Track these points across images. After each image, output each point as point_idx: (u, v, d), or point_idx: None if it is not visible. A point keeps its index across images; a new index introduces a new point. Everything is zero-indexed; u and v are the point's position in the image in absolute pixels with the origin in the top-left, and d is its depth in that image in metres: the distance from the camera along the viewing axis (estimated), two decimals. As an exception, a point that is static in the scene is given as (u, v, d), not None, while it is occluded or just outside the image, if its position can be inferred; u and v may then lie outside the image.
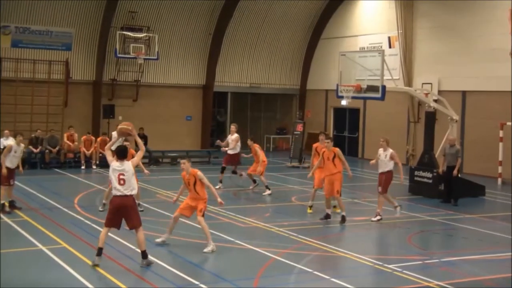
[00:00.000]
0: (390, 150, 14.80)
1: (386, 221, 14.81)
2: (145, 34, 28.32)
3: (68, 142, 23.59)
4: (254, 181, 18.92)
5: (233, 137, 19.37)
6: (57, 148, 23.34)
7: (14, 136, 15.82)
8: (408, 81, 26.61)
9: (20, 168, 15.71)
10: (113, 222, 10.36)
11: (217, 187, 17.87)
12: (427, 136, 19.81)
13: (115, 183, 10.13)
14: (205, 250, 11.38)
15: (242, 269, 10.58)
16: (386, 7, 28.46)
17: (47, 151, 22.95)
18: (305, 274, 10.24)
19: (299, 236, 12.78)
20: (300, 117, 30.80)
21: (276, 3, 31.01)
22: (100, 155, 23.62)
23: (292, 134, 27.98)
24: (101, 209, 14.90)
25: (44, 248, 11.27)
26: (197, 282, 9.51)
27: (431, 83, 25.38)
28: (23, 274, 9.81)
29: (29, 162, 22.67)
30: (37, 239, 11.93)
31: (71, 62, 27.98)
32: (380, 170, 14.91)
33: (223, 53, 31.18)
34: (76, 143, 23.72)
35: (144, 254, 10.31)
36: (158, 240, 11.89)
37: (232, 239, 12.39)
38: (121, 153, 10.31)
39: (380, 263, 10.90)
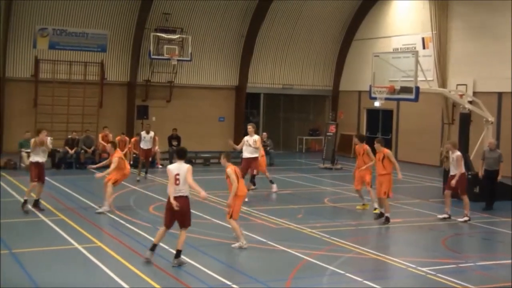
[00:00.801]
0: (457, 153, 15.17)
1: (420, 223, 14.69)
2: (178, 36, 28.55)
3: (102, 142, 23.87)
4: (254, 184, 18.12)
5: (255, 139, 17.00)
6: (92, 148, 23.66)
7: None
8: (442, 82, 26.31)
9: None
10: (166, 222, 10.56)
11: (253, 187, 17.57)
12: (461, 138, 19.55)
13: (173, 184, 10.31)
14: (233, 245, 11.79)
15: (274, 270, 10.60)
16: (420, 7, 28.19)
17: (82, 151, 23.28)
18: (338, 276, 10.22)
19: (332, 237, 12.75)
20: (333, 118, 30.68)
21: (309, 4, 30.98)
22: (134, 155, 23.86)
23: (325, 135, 27.90)
24: (99, 211, 14.81)
25: (80, 247, 11.46)
26: (229, 283, 9.57)
27: (466, 84, 25.04)
28: (59, 272, 9.99)
29: (65, 162, 23.03)
30: (73, 238, 12.13)
31: (106, 64, 28.39)
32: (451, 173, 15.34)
33: (256, 54, 31.25)
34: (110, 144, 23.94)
35: (178, 254, 10.44)
36: (235, 245, 11.81)
37: (265, 240, 12.42)
38: (181, 154, 10.54)
39: (414, 266, 10.82)
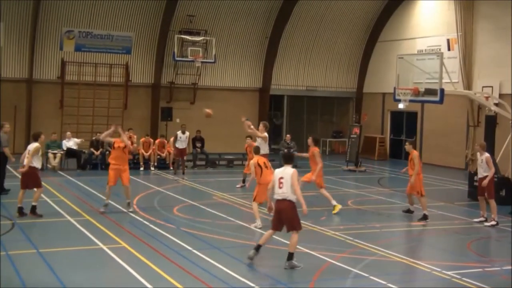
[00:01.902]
0: (485, 154, 15.08)
1: (445, 226, 14.57)
2: (202, 38, 28.68)
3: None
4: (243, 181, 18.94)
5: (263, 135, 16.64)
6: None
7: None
8: (468, 84, 26.04)
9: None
10: (277, 225, 10.70)
11: (238, 185, 18.16)
12: (487, 140, 19.34)
13: (276, 187, 10.52)
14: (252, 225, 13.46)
15: (297, 273, 10.58)
16: (445, 8, 27.96)
17: (107, 152, 23.48)
18: (361, 279, 10.18)
19: (355, 240, 12.71)
20: (357, 120, 30.59)
21: (333, 6, 30.92)
22: (158, 157, 24.04)
23: (349, 137, 27.81)
24: (102, 210, 14.93)
25: (104, 247, 11.57)
26: (253, 284, 9.59)
27: (491, 86, 24.75)
28: (84, 272, 10.09)
29: (90, 163, 23.28)
30: (98, 238, 12.25)
31: (130, 66, 28.63)
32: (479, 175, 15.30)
33: (280, 56, 31.26)
34: (135, 145, 24.13)
35: (290, 256, 10.52)
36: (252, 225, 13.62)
37: (288, 242, 12.38)
38: (287, 158, 10.92)
39: (439, 270, 10.74)
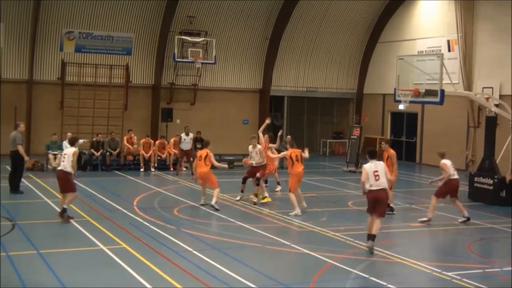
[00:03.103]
0: (441, 161, 15.59)
1: (445, 227, 14.56)
2: (203, 39, 28.70)
3: (127, 144, 24.07)
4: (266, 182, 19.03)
5: (257, 150, 17.09)
6: (117, 151, 23.86)
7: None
8: (468, 85, 26.05)
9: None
10: (369, 210, 12.07)
11: (238, 198, 17.32)
12: (487, 141, 19.36)
13: (372, 179, 11.81)
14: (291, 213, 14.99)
15: (298, 273, 10.60)
16: (445, 9, 27.97)
17: (107, 153, 23.50)
18: (362, 280, 10.18)
19: (356, 241, 12.70)
20: (357, 121, 30.61)
21: (333, 7, 30.94)
22: (159, 158, 24.04)
23: (349, 138, 27.81)
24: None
25: (105, 248, 11.57)
26: (253, 285, 9.59)
27: (492, 87, 24.77)
28: (84, 273, 10.10)
29: (91, 164, 23.27)
30: (99, 239, 12.25)
31: (131, 66, 28.64)
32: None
33: (280, 57, 31.28)
34: (135, 146, 24.19)
35: (373, 237, 11.78)
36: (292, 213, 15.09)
37: (288, 243, 12.42)
38: (373, 154, 12.42)
39: (439, 271, 10.73)
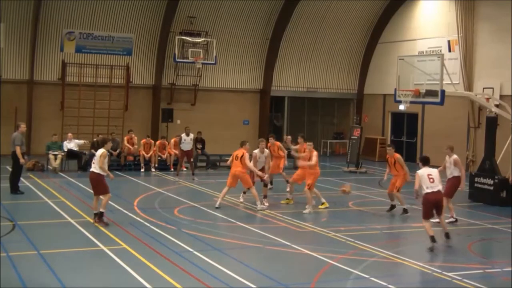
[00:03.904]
0: (454, 156, 15.24)
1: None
2: (203, 39, 28.70)
3: (128, 145, 24.08)
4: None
5: (266, 155, 17.14)
6: (117, 151, 23.86)
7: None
8: (469, 86, 26.05)
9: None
10: (430, 214, 12.47)
11: (241, 200, 17.18)
12: (488, 141, 19.35)
13: (427, 182, 12.32)
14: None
15: (298, 274, 10.60)
16: (445, 10, 27.97)
17: (108, 154, 23.44)
18: (362, 280, 10.18)
19: (356, 241, 12.70)
20: (358, 121, 30.59)
21: (334, 7, 30.93)
22: (159, 158, 24.03)
23: (349, 138, 27.81)
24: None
25: (105, 249, 11.57)
26: (253, 286, 9.59)
27: (492, 88, 24.75)
28: (85, 273, 10.10)
29: (91, 165, 23.16)
30: (99, 239, 12.26)
31: (131, 67, 28.64)
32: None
33: (280, 58, 31.28)
34: (135, 146, 24.19)
35: (448, 235, 12.70)
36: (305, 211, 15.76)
37: (289, 244, 12.42)
38: (426, 160, 12.80)
39: (439, 271, 10.73)
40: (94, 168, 13.88)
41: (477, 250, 12.75)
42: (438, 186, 12.38)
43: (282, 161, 19.24)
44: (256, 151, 17.11)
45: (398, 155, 16.20)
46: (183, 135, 22.48)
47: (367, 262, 11.27)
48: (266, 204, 16.41)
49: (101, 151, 13.97)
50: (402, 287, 9.93)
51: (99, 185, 13.90)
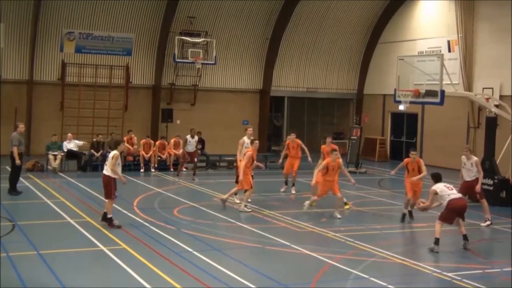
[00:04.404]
0: (475, 158, 15.55)
1: (445, 228, 14.53)
2: (203, 39, 28.69)
3: (127, 145, 24.05)
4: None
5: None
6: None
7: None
8: (468, 86, 26.06)
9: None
10: (449, 219, 12.46)
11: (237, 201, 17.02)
12: (487, 142, 19.36)
13: (447, 191, 12.40)
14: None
15: (298, 274, 10.60)
16: (445, 10, 27.98)
17: (107, 153, 23.46)
18: (362, 280, 10.18)
19: (356, 241, 12.71)
20: (357, 121, 30.58)
21: (334, 7, 30.93)
22: (159, 158, 24.02)
23: (349, 139, 27.80)
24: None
25: (105, 249, 11.57)
26: (252, 286, 9.59)
27: (492, 88, 24.75)
28: (85, 274, 10.10)
29: (91, 165, 23.25)
30: (99, 239, 12.25)
31: (131, 67, 28.63)
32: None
33: (280, 58, 31.28)
34: (135, 146, 24.17)
35: (466, 237, 12.55)
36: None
37: (288, 244, 12.42)
38: (439, 178, 12.81)
39: (439, 271, 10.74)
40: (106, 170, 13.54)
41: (477, 250, 12.74)
42: (458, 193, 12.54)
43: (297, 162, 18.88)
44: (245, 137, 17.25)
45: (421, 160, 15.52)
46: (188, 137, 22.30)
47: (366, 262, 11.27)
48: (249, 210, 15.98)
49: (113, 152, 13.54)
50: (401, 287, 9.93)
51: (105, 188, 13.57)
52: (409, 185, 15.02)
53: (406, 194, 15.19)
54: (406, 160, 15.35)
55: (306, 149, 19.18)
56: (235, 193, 16.88)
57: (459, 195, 12.48)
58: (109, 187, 13.50)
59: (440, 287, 10.20)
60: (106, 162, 13.67)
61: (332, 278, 10.34)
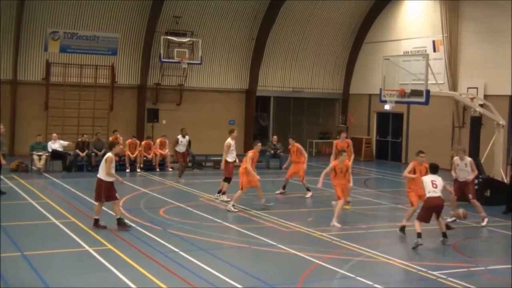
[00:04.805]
0: (469, 158, 15.55)
1: (431, 227, 14.61)
2: (189, 39, 28.63)
3: (113, 145, 23.90)
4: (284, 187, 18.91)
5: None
6: (102, 152, 23.66)
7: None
8: (453, 86, 26.22)
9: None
10: (427, 218, 12.60)
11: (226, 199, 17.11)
12: (472, 141, 19.49)
13: (429, 187, 12.43)
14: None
15: (284, 274, 10.59)
16: (430, 10, 28.13)
17: (93, 154, 23.36)
18: (348, 280, 10.20)
19: (342, 241, 12.73)
20: (343, 121, 30.66)
21: (319, 7, 30.99)
22: (145, 158, 23.93)
23: (335, 138, 27.81)
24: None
25: (90, 249, 11.50)
26: (239, 286, 9.57)
27: (476, 88, 24.94)
28: (70, 275, 10.03)
29: (76, 165, 23.11)
30: (84, 240, 12.17)
31: (116, 67, 28.50)
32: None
33: (266, 58, 31.29)
34: (121, 146, 23.98)
35: (445, 234, 12.74)
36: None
37: (275, 244, 12.42)
38: (435, 169, 12.79)
39: (424, 270, 10.78)
40: (99, 173, 13.23)
41: (462, 249, 12.81)
42: (439, 193, 12.50)
43: (301, 167, 18.39)
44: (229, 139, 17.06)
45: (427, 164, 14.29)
46: (180, 137, 22.12)
47: (353, 262, 11.29)
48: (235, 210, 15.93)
49: (107, 155, 13.13)
50: (387, 286, 9.96)
51: (96, 190, 13.28)
52: (414, 194, 13.84)
53: (411, 205, 13.99)
54: (414, 163, 14.07)
55: (305, 155, 18.61)
56: (224, 192, 16.95)
57: (438, 194, 12.43)
58: (105, 189, 13.16)
59: (425, 286, 10.23)
60: (100, 166, 13.29)
61: (318, 277, 10.35)
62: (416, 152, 14.41)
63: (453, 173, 15.81)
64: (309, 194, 18.35)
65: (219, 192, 17.33)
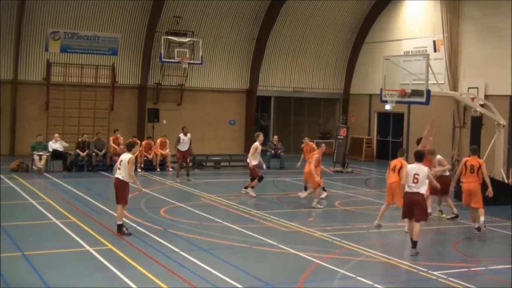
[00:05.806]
0: (438, 156, 15.51)
1: (431, 227, 14.62)
2: (189, 39, 28.63)
3: (113, 145, 23.93)
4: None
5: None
6: (103, 151, 23.72)
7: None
8: (454, 86, 26.21)
9: None
10: (408, 214, 11.94)
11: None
12: (473, 141, 19.51)
13: (410, 181, 11.84)
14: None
15: (284, 274, 10.59)
16: (431, 10, 28.13)
17: (93, 154, 23.37)
18: (348, 280, 10.20)
19: (342, 241, 12.73)
20: (344, 121, 30.68)
21: (320, 7, 30.99)
22: (145, 158, 23.93)
23: (336, 138, 27.85)
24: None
25: (91, 249, 11.50)
26: (240, 286, 9.57)
27: (477, 88, 24.93)
28: (70, 274, 10.03)
29: (76, 165, 23.12)
30: (85, 240, 12.17)
31: (117, 67, 28.51)
32: None
33: (267, 58, 31.29)
34: (121, 146, 24.01)
35: (414, 244, 11.73)
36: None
37: (275, 243, 12.42)
38: (419, 157, 12.26)
39: (425, 270, 10.77)
40: (119, 174, 12.78)
41: (462, 249, 12.81)
42: (419, 188, 11.76)
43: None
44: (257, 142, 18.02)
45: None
46: (181, 135, 21.82)
47: (353, 262, 11.29)
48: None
49: (128, 156, 12.82)
50: (388, 286, 9.96)
51: (121, 193, 12.77)
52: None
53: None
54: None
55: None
56: (253, 187, 17.90)
57: (416, 190, 11.72)
58: (126, 191, 12.82)
59: (425, 286, 10.23)
60: (119, 166, 12.85)
61: (319, 277, 10.35)
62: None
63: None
64: (324, 194, 18.02)
65: (246, 187, 18.16)
